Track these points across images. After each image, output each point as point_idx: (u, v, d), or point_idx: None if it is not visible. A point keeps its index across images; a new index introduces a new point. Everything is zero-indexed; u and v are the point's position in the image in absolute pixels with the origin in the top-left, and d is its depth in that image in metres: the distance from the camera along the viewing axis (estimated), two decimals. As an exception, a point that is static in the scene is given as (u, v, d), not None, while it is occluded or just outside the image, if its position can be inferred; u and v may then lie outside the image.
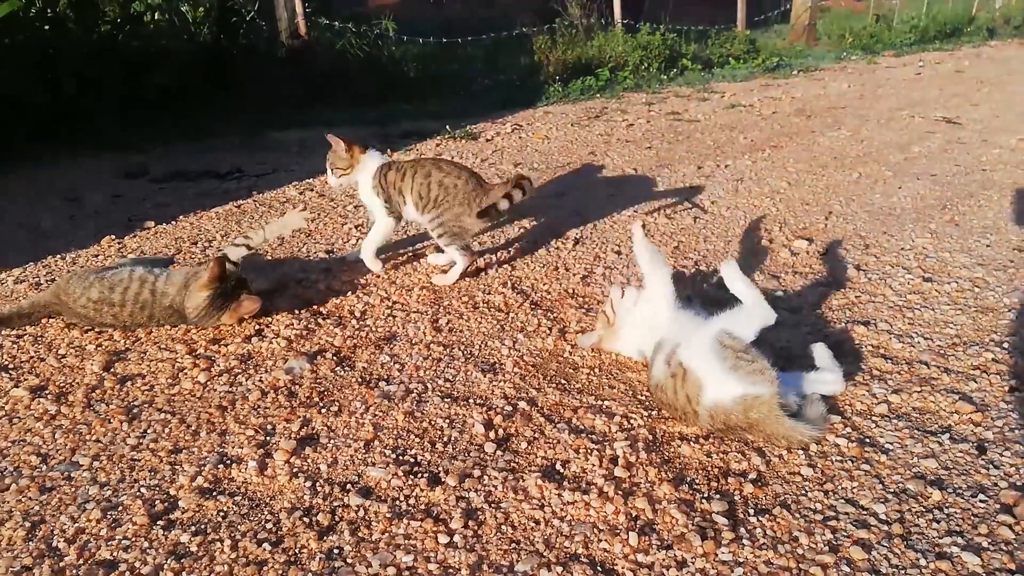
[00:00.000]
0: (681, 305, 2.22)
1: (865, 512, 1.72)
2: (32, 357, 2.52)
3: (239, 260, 2.77)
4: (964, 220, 3.62)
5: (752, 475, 1.85)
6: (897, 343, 2.47)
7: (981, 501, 1.74)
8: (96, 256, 3.48)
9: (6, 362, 2.49)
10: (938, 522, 1.68)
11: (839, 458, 1.90)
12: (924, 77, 8.54)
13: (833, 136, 5.59)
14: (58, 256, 3.47)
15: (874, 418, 2.07)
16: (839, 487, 1.80)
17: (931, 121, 6.02)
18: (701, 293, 2.87)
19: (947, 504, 1.73)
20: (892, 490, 1.79)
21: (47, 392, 2.30)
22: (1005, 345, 2.43)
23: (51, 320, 2.74)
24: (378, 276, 3.13)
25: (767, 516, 1.71)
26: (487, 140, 5.83)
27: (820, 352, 2.21)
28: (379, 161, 3.08)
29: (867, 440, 1.97)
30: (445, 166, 3.03)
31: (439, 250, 3.20)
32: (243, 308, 2.65)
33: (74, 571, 1.59)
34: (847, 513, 1.72)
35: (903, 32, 12.11)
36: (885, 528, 1.67)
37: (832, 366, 2.15)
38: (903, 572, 1.54)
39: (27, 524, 1.73)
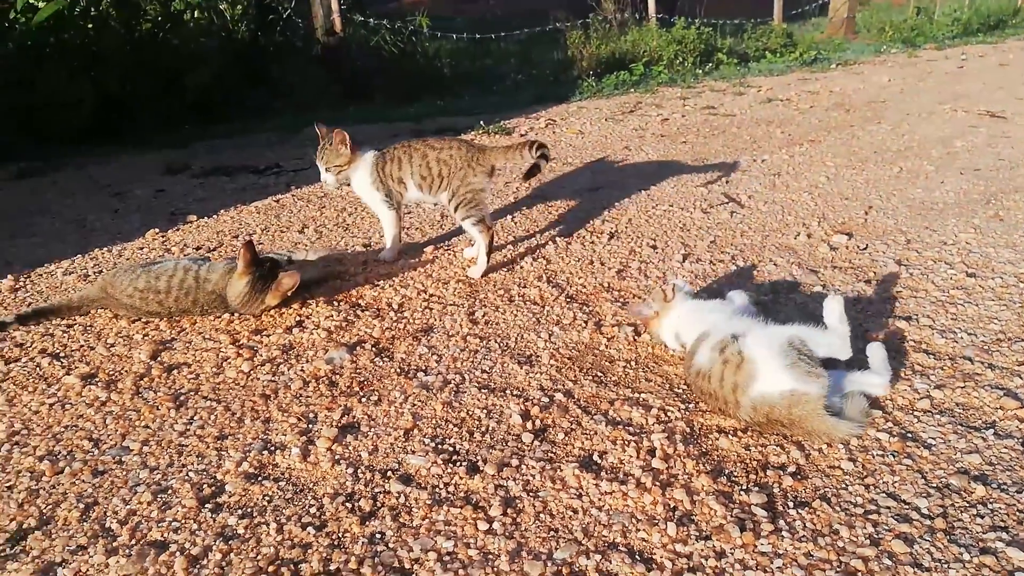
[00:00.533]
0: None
1: (907, 506, 1.70)
2: (82, 346, 2.60)
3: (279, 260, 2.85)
4: (1009, 215, 3.54)
5: (791, 468, 1.85)
6: (940, 338, 2.44)
7: (1027, 497, 1.71)
8: (141, 249, 3.57)
9: (58, 350, 2.57)
10: (982, 517, 1.66)
11: (880, 452, 1.89)
12: (967, 70, 8.35)
13: (873, 130, 5.50)
14: (104, 248, 3.57)
15: (916, 413, 2.05)
16: (880, 481, 1.79)
17: (974, 115, 5.89)
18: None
19: (991, 499, 1.71)
20: (935, 485, 1.77)
21: (97, 380, 2.37)
22: (1052, 341, 2.38)
23: (100, 310, 2.82)
24: (415, 270, 3.16)
25: (807, 509, 1.71)
26: (521, 135, 5.84)
27: (875, 352, 2.16)
28: (373, 156, 3.12)
29: (909, 435, 1.95)
30: (435, 143, 3.07)
31: (472, 244, 3.23)
32: (284, 284, 2.71)
33: (126, 551, 1.65)
34: (888, 507, 1.70)
35: (945, 24, 11.82)
36: (927, 522, 1.65)
37: (883, 369, 2.12)
38: (946, 566, 1.53)
39: (81, 506, 1.79)
